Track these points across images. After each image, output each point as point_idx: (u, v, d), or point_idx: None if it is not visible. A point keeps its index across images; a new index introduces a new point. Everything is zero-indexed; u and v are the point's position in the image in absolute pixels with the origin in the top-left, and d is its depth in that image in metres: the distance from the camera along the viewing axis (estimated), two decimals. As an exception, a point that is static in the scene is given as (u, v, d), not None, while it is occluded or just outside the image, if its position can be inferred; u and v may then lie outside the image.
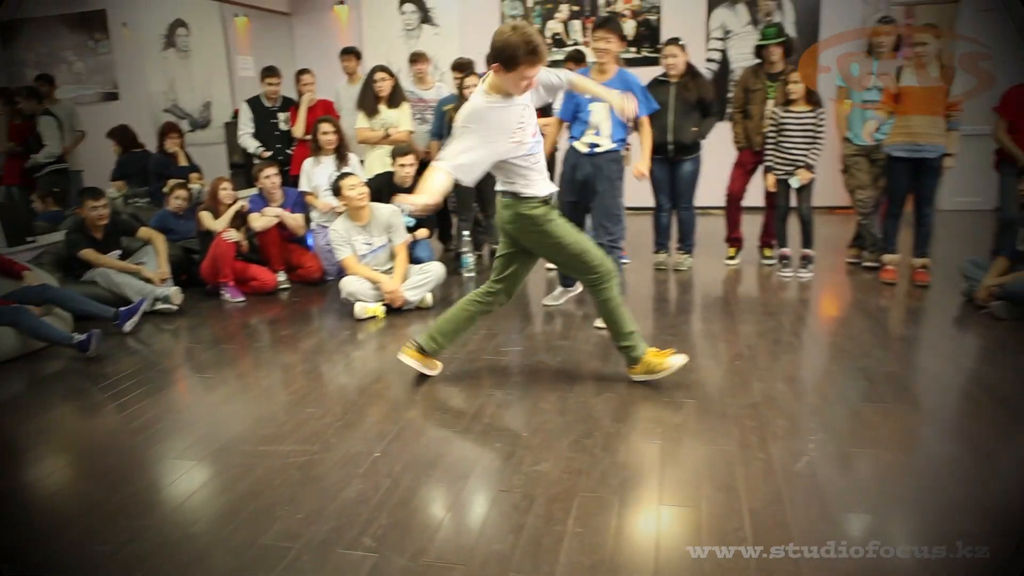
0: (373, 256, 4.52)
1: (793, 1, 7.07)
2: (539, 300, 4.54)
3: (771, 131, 4.76)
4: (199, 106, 8.73)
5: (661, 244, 5.24)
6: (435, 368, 3.35)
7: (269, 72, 5.86)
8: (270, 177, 5.11)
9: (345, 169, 5.11)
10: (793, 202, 4.86)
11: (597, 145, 4.03)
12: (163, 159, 5.87)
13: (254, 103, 5.90)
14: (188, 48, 8.55)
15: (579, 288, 4.43)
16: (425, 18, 7.93)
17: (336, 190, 4.59)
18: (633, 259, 5.37)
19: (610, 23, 4.02)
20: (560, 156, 4.50)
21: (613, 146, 4.04)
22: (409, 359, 3.29)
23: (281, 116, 5.92)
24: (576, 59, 5.53)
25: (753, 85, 5.03)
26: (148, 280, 4.61)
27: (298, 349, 3.86)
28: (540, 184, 3.00)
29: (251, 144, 5.88)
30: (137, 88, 8.25)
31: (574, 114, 4.11)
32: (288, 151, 5.92)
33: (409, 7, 7.94)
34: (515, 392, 3.15)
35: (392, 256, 4.55)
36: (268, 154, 5.81)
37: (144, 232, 4.86)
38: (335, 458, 2.60)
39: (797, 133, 4.65)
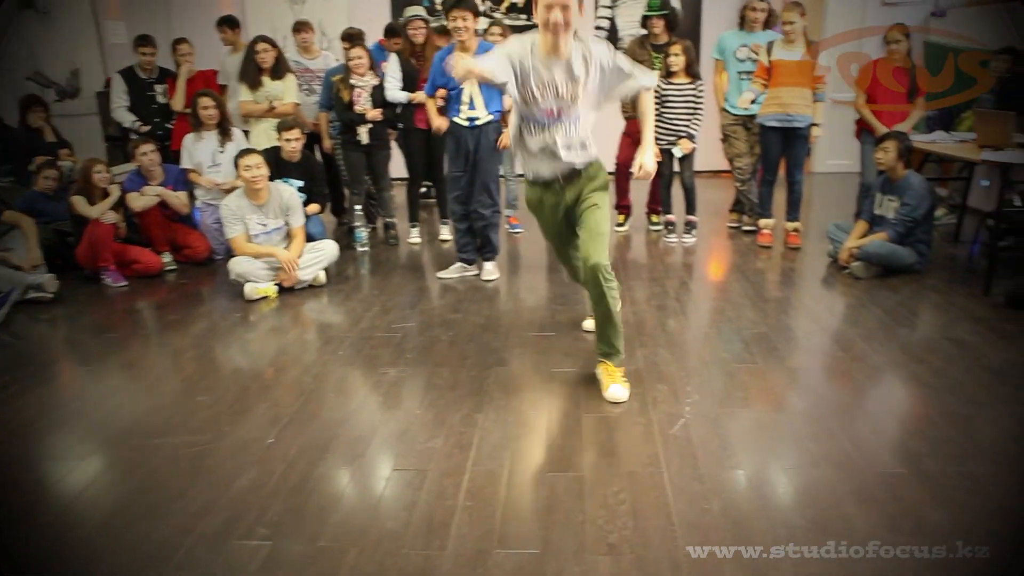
0: (267, 238, 4.39)
1: (676, -29, 7.25)
2: (434, 273, 4.59)
3: (655, 102, 4.92)
4: (66, 74, 8.16)
5: (553, 213, 5.36)
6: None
7: (143, 41, 5.55)
8: (148, 154, 4.88)
9: (245, 145, 4.99)
10: (677, 170, 5.08)
11: (476, 118, 4.26)
12: (27, 134, 5.49)
13: (128, 74, 5.59)
14: (48, 9, 7.93)
15: (475, 270, 4.52)
16: (310, -19, 7.66)
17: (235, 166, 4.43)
18: (525, 228, 5.48)
19: (462, 3, 4.11)
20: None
21: (491, 117, 4.29)
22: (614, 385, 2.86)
23: (158, 88, 5.64)
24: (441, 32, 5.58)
25: (639, 56, 5.16)
26: (17, 267, 4.35)
27: (187, 334, 3.76)
28: (526, 163, 2.94)
29: (126, 118, 5.58)
30: (-8, 53, 7.61)
31: (437, 90, 4.33)
32: (167, 125, 5.65)
33: (292, -30, 7.65)
34: (408, 369, 3.20)
35: (287, 238, 4.45)
36: (146, 129, 5.54)
37: (9, 216, 4.56)
38: (228, 447, 2.59)
39: (679, 104, 4.83)
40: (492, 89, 4.05)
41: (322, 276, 4.44)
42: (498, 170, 4.46)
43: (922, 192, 4.12)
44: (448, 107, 4.33)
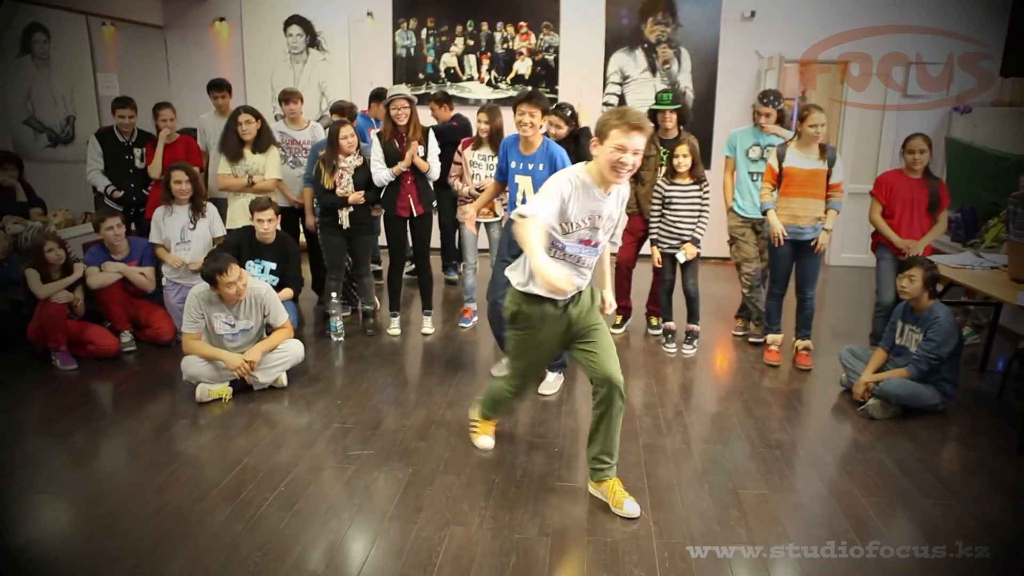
0: (233, 339, 3.99)
1: (690, 51, 6.98)
2: (407, 376, 4.19)
3: (656, 203, 4.58)
4: (61, 120, 7.98)
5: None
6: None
7: (121, 103, 5.28)
8: (112, 229, 4.57)
9: (218, 222, 4.83)
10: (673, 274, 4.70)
11: None
12: (-5, 194, 5.21)
13: (105, 136, 5.32)
14: (47, 56, 7.79)
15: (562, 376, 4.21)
16: (312, 42, 7.45)
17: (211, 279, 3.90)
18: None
19: (535, 99, 3.82)
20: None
21: None
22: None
23: (137, 152, 5.36)
24: (439, 100, 5.60)
25: (647, 151, 4.83)
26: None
27: (115, 449, 3.38)
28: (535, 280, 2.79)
29: (100, 182, 5.30)
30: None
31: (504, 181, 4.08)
32: (144, 191, 5.37)
33: (295, 29, 7.45)
34: (353, 519, 2.79)
35: (257, 337, 4.06)
36: (119, 194, 5.26)
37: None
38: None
39: (683, 207, 4.48)
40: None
41: (283, 378, 4.04)
42: None
43: (949, 328, 3.70)
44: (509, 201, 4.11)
